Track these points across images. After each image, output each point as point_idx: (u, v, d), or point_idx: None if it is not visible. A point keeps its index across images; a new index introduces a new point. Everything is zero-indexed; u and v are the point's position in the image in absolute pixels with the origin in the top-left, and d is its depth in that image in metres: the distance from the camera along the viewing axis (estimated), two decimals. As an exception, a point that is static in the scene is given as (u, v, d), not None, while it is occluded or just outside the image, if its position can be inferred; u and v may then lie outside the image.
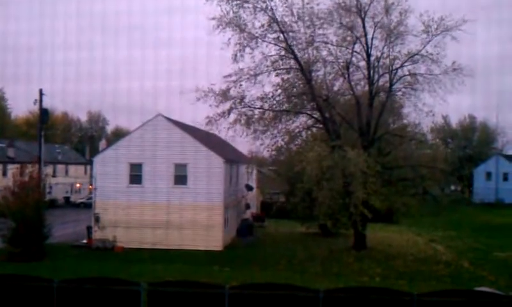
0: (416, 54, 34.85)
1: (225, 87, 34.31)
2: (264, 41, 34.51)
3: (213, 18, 33.08)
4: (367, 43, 35.15)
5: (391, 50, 35.22)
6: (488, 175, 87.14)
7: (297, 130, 37.83)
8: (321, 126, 37.05)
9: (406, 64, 35.44)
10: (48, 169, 62.75)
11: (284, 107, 36.10)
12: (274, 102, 35.86)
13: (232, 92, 34.65)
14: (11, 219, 31.54)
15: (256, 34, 34.15)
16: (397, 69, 35.58)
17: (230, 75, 34.13)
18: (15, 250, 31.02)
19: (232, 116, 35.03)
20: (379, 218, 40.46)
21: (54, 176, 69.45)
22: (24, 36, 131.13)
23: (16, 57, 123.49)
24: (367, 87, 36.48)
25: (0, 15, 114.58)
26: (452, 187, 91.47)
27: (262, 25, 34.03)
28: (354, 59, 35.76)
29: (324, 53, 35.52)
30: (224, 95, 34.35)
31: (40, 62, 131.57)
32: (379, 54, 35.52)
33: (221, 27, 33.21)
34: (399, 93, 37.36)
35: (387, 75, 35.99)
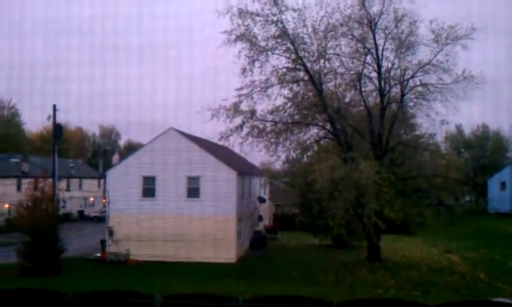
0: (427, 64, 34.77)
1: (236, 101, 34.52)
2: (274, 53, 34.68)
3: (224, 32, 33.35)
4: (377, 55, 35.15)
5: (402, 60, 35.21)
6: (503, 185, 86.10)
7: (308, 141, 37.85)
8: (333, 137, 37.03)
9: (417, 74, 35.36)
10: (62, 184, 63.28)
11: (295, 119, 36.15)
12: (285, 114, 35.93)
13: (243, 106, 34.89)
14: (25, 233, 31.75)
15: (267, 47, 34.32)
16: (408, 79, 35.49)
17: (241, 88, 34.33)
18: (29, 264, 31.19)
19: (244, 130, 35.20)
20: (393, 229, 40.22)
21: (68, 190, 69.97)
22: (38, 52, 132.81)
23: (30, 73, 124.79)
24: (378, 99, 36.41)
25: (15, 32, 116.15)
26: (467, 197, 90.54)
27: (273, 37, 34.17)
28: (365, 70, 35.78)
29: (336, 64, 35.63)
30: (235, 110, 34.54)
31: (53, 78, 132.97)
32: (390, 64, 35.54)
33: (231, 40, 33.45)
34: (411, 104, 37.21)
35: (398, 86, 35.90)
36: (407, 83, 35.55)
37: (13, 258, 32.62)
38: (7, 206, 57.55)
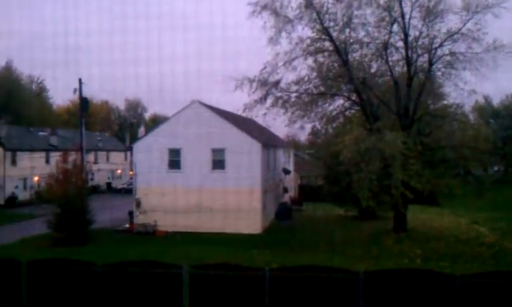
0: (456, 33, 33.87)
1: (261, 73, 34.28)
2: (300, 24, 34.22)
3: (249, 3, 33.02)
4: (404, 23, 34.37)
5: (430, 29, 34.34)
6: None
7: (334, 113, 37.52)
8: (358, 108, 36.64)
9: (445, 43, 34.50)
10: (90, 156, 64.27)
11: (320, 90, 35.81)
12: (310, 85, 35.60)
13: (268, 77, 34.59)
14: (56, 205, 32.46)
15: (292, 17, 33.89)
16: (436, 48, 34.69)
17: (266, 63, 34.09)
18: (60, 235, 31.99)
19: (268, 101, 35.03)
20: (421, 200, 39.88)
21: (95, 163, 71.04)
22: (62, 24, 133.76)
23: (55, 47, 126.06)
24: (405, 68, 35.73)
25: (39, 8, 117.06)
26: (495, 167, 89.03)
27: (298, 8, 33.72)
28: (392, 39, 35.05)
29: (361, 34, 34.99)
30: (260, 81, 34.34)
31: (79, 51, 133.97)
32: (417, 33, 34.71)
33: (257, 12, 33.12)
34: (439, 73, 36.46)
35: (426, 55, 35.14)
36: (435, 52, 34.79)
37: (44, 229, 33.44)
38: (36, 178, 58.81)
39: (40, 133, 67.91)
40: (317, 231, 37.48)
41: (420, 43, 34.84)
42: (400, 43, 35.20)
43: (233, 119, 40.11)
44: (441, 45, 34.58)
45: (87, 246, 31.25)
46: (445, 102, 37.87)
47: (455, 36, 34.03)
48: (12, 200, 55.29)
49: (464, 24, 33.55)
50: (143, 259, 19.55)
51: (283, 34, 33.77)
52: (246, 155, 37.13)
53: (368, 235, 35.17)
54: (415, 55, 35.16)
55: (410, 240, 32.79)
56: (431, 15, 33.80)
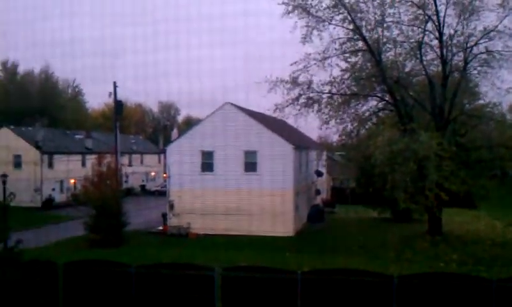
0: (493, 30, 33.06)
1: (293, 74, 34.20)
2: (331, 23, 33.99)
3: (282, 3, 32.99)
4: (439, 21, 33.74)
5: (465, 27, 33.61)
6: None
7: (367, 113, 37.15)
8: (392, 108, 36.16)
9: (481, 41, 33.69)
10: (124, 159, 65.27)
11: (353, 91, 35.50)
12: (343, 85, 35.33)
13: (300, 78, 34.50)
14: (92, 207, 33.06)
15: (323, 17, 33.70)
16: (472, 46, 33.94)
17: (297, 62, 33.95)
18: (96, 237, 32.55)
19: (301, 102, 34.88)
20: (456, 202, 39.09)
21: (129, 165, 72.13)
22: (97, 30, 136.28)
23: (91, 53, 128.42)
24: (440, 67, 35.08)
25: (75, 13, 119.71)
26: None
27: (328, 8, 33.49)
28: (426, 38, 34.47)
29: (395, 33, 34.51)
30: (293, 82, 34.27)
31: (113, 56, 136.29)
32: (452, 31, 34.02)
33: (288, 11, 33.06)
34: (475, 72, 35.68)
35: (461, 54, 34.41)
36: (471, 50, 34.04)
37: (81, 231, 34.09)
38: (73, 181, 60.05)
39: (76, 136, 69.33)
40: (349, 233, 37.14)
41: (455, 41, 34.16)
42: (435, 42, 34.60)
43: (265, 120, 40.13)
44: (476, 43, 33.81)
45: (122, 248, 31.71)
46: (481, 102, 37.02)
47: (491, 34, 33.21)
48: (49, 202, 56.59)
49: (501, 21, 32.71)
50: (175, 262, 19.73)
51: (315, 33, 33.64)
52: (278, 157, 37.09)
53: (402, 237, 34.65)
54: (450, 54, 34.48)
55: (445, 243, 32.14)
56: (466, 12, 33.08)
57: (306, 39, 33.28)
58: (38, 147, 58.04)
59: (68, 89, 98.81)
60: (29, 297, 15.53)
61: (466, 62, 34.29)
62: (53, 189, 58.91)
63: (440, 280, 16.05)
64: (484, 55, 34.32)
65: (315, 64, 34.04)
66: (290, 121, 36.71)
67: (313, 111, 35.00)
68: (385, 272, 18.14)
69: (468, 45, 33.88)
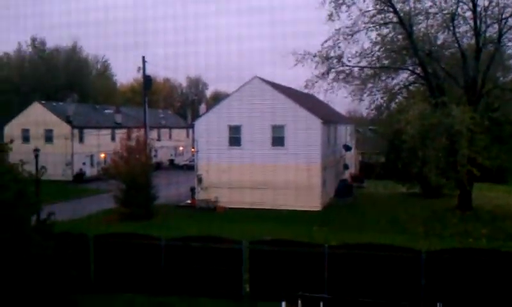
0: (529, 1, 31.99)
1: (322, 47, 33.82)
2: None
3: None
4: (473, -8, 32.78)
5: (500, -3, 32.58)
6: None
7: (397, 87, 36.56)
8: (423, 82, 35.48)
9: (517, 12, 32.66)
10: (153, 134, 65.80)
11: (383, 64, 34.91)
12: (374, 58, 34.77)
13: (330, 52, 34.09)
14: (121, 181, 33.48)
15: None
16: (507, 18, 32.89)
17: (327, 39, 33.55)
18: (126, 210, 33.02)
19: (331, 76, 34.61)
20: (488, 177, 38.34)
21: (158, 140, 72.75)
22: (125, 8, 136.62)
23: (119, 28, 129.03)
24: (473, 40, 34.17)
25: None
26: None
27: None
28: (459, 9, 33.56)
29: (427, 4, 33.67)
30: (322, 57, 33.91)
31: (141, 31, 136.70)
32: (487, 2, 33.02)
33: None
34: (509, 44, 34.68)
35: (496, 25, 33.43)
36: (506, 22, 33.01)
37: (111, 204, 34.66)
38: (103, 155, 60.97)
39: (106, 111, 70.13)
40: (378, 208, 36.89)
41: (489, 12, 33.18)
42: (469, 13, 33.69)
43: (293, 95, 39.84)
44: (512, 15, 32.76)
45: (151, 221, 32.16)
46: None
47: (528, 4, 32.13)
48: (80, 176, 57.66)
49: (539, -9, 31.59)
50: (204, 234, 19.92)
51: (343, 8, 33.09)
52: (306, 131, 36.87)
53: (431, 212, 34.25)
54: (484, 26, 33.53)
55: (475, 218, 31.70)
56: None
57: (334, 14, 32.81)
58: (68, 121, 58.96)
59: (98, 64, 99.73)
60: (61, 269, 15.90)
61: (500, 34, 33.31)
62: (83, 163, 59.93)
63: (468, 256, 15.83)
64: (519, 27, 33.25)
65: (344, 38, 33.58)
66: (320, 96, 36.46)
67: (343, 84, 34.64)
68: (414, 247, 17.98)
69: (503, 17, 32.87)
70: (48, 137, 59.08)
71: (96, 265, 18.56)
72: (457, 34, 33.98)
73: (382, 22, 34.17)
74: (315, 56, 33.96)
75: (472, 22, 33.63)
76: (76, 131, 59.40)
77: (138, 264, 18.09)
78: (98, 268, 18.52)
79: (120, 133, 40.27)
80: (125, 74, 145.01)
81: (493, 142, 32.01)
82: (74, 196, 44.52)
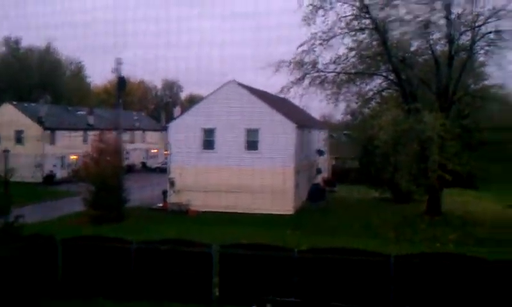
0: (502, 10, 32.51)
1: (297, 53, 33.93)
2: (339, 1, 33.52)
3: None
4: (447, 0, 33.21)
5: (474, 6, 33.08)
6: None
7: (371, 92, 36.85)
8: (397, 88, 35.84)
9: (489, 20, 33.19)
10: (126, 136, 65.04)
11: (358, 70, 35.15)
12: (348, 64, 34.98)
13: (305, 58, 34.20)
14: (92, 183, 32.95)
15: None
16: (480, 26, 33.42)
17: (303, 44, 33.64)
18: (96, 213, 32.50)
19: (306, 82, 34.70)
20: (458, 183, 38.84)
21: (131, 142, 71.96)
22: (100, 9, 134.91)
23: (94, 29, 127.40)
24: (446, 47, 34.66)
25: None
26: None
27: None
28: (433, 17, 33.93)
29: (402, 12, 34.00)
30: (297, 63, 33.99)
31: (116, 33, 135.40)
32: (460, 10, 33.52)
33: None
34: (482, 52, 35.25)
35: (469, 33, 33.97)
36: (478, 30, 33.56)
37: (80, 207, 34.06)
38: (74, 157, 59.99)
39: (78, 112, 69.11)
40: (350, 213, 37.07)
41: (462, 20, 33.66)
42: (442, 21, 34.12)
43: (268, 99, 39.82)
44: (485, 23, 33.29)
45: (122, 224, 31.70)
46: (487, 83, 36.64)
47: (500, 13, 32.67)
48: (50, 178, 56.61)
49: (510, 0, 32.16)
50: (175, 238, 19.65)
51: (320, 12, 33.21)
52: (280, 135, 36.87)
53: (402, 218, 34.54)
54: (457, 33, 34.06)
55: (445, 223, 32.07)
56: (475, -10, 32.55)
57: (310, 18, 32.92)
58: (40, 123, 57.90)
59: (71, 65, 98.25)
60: (28, 272, 15.49)
61: (473, 42, 33.86)
62: (54, 165, 58.88)
63: (436, 260, 15.94)
64: (491, 35, 33.91)
65: (320, 44, 33.73)
66: (296, 101, 36.56)
67: (318, 90, 34.80)
68: (384, 251, 18.01)
69: (476, 25, 33.38)
70: (19, 138, 57.95)
71: (64, 269, 18.11)
72: (431, 42, 34.47)
73: (357, 28, 34.41)
74: (290, 63, 34.07)
75: (445, 29, 34.11)
76: (47, 132, 58.34)
77: (107, 268, 17.72)
78: (66, 271, 18.07)
79: (93, 135, 39.64)
80: (100, 75, 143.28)
81: (463, 148, 32.48)
82: (44, 198, 43.65)
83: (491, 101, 34.99)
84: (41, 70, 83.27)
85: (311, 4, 33.01)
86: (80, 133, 62.65)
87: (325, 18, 33.45)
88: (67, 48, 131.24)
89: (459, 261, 15.72)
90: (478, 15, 33.18)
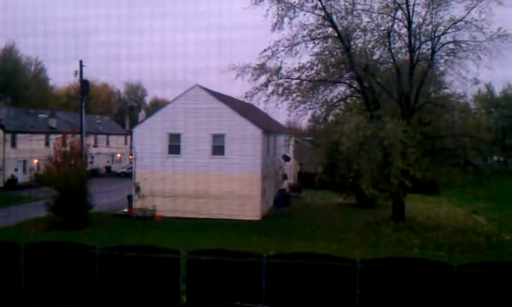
0: (460, 20, 33.60)
1: (261, 60, 34.15)
2: (302, 10, 33.95)
3: None
4: (408, 10, 34.10)
5: (434, 16, 34.02)
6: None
7: (335, 100, 37.42)
8: (360, 96, 36.51)
9: (449, 31, 34.24)
10: (90, 140, 64.15)
11: (321, 77, 35.64)
12: (312, 71, 35.43)
13: (269, 64, 34.44)
14: (54, 188, 32.40)
15: (294, 4, 33.64)
16: (439, 36, 34.44)
17: (266, 49, 33.89)
18: (58, 218, 31.96)
19: (270, 88, 34.92)
20: (420, 189, 39.76)
21: (95, 146, 70.98)
22: (62, 9, 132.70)
23: (56, 31, 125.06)
24: (407, 56, 35.54)
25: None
26: (495, 158, 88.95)
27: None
28: (395, 26, 34.81)
29: (365, 20, 34.75)
30: (261, 68, 34.21)
31: (78, 34, 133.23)
32: (421, 20, 34.43)
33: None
34: (441, 61, 36.27)
35: (429, 43, 34.91)
36: (438, 40, 34.57)
37: (43, 212, 33.44)
38: (36, 161, 58.77)
39: (40, 115, 67.69)
40: (315, 218, 37.52)
41: (423, 30, 34.62)
42: (404, 30, 34.99)
43: (234, 104, 39.96)
44: (444, 33, 34.35)
45: (86, 230, 31.27)
46: (447, 91, 37.71)
47: (458, 24, 33.77)
48: (12, 182, 55.28)
49: (468, 12, 33.26)
50: (141, 244, 19.57)
51: (286, 20, 33.59)
52: (246, 141, 37.05)
53: (366, 223, 35.18)
54: (417, 43, 34.94)
55: (408, 229, 32.80)
56: (434, 2, 33.52)
57: (276, 26, 33.27)
58: (0, 126, 56.47)
59: (31, 66, 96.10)
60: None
61: (433, 51, 34.82)
62: (16, 169, 57.55)
63: (402, 264, 16.37)
64: (451, 45, 34.93)
65: (283, 50, 34.06)
66: (260, 106, 36.75)
67: (282, 96, 35.02)
68: (349, 256, 18.39)
69: (436, 35, 34.40)
70: (-23, 141, 56.36)
71: (27, 275, 17.82)
72: (393, 50, 35.21)
73: (321, 36, 34.91)
74: (254, 69, 34.25)
75: (406, 38, 34.97)
76: (8, 136, 56.94)
77: (71, 274, 17.51)
78: (29, 278, 17.78)
79: (55, 138, 39.00)
80: (62, 78, 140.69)
81: (424, 155, 33.31)
82: (5, 204, 42.59)
83: (450, 109, 35.97)
84: (1, 72, 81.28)
85: (277, 14, 33.33)
86: (42, 136, 61.41)
87: (290, 27, 33.86)
88: (27, 49, 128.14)
89: (424, 266, 16.18)
90: (437, 26, 34.20)
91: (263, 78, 34.69)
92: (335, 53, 35.46)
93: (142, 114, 60.41)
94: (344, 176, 38.26)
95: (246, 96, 35.05)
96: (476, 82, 35.02)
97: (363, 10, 34.24)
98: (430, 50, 34.99)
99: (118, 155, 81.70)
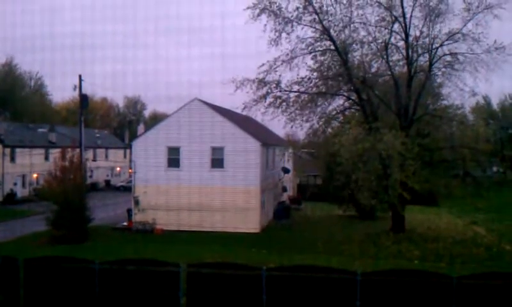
0: (457, 33, 33.86)
1: (260, 74, 34.31)
2: (300, 24, 34.18)
3: (248, 8, 33.03)
4: (405, 23, 34.36)
5: (431, 29, 34.32)
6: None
7: (333, 112, 37.55)
8: (358, 108, 36.66)
9: (446, 43, 34.49)
10: (89, 154, 64.20)
11: (320, 90, 35.79)
12: (310, 84, 35.58)
13: (268, 78, 34.59)
14: (54, 202, 32.40)
15: (292, 18, 33.87)
16: (436, 48, 34.68)
17: (265, 63, 34.09)
18: (58, 233, 31.89)
19: (268, 101, 35.02)
20: (419, 200, 39.74)
21: (94, 160, 71.03)
22: (63, 25, 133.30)
23: (55, 46, 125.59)
24: (405, 68, 35.74)
25: (39, 7, 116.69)
26: (494, 169, 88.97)
27: (297, 9, 33.69)
28: (392, 39, 35.05)
29: (362, 34, 34.98)
30: (260, 82, 34.36)
31: (78, 50, 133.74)
32: (418, 33, 34.69)
33: (255, 15, 33.12)
34: (439, 73, 36.50)
35: (427, 55, 35.15)
36: (435, 52, 34.80)
37: (42, 226, 33.41)
38: (35, 175, 58.78)
39: (39, 130, 67.84)
40: (315, 230, 37.48)
41: (420, 42, 34.85)
42: (401, 43, 35.23)
43: (233, 117, 40.09)
44: (441, 45, 34.59)
45: (85, 244, 31.24)
46: (445, 103, 37.89)
47: (456, 37, 34.02)
48: (11, 197, 55.25)
49: (465, 24, 33.57)
50: (140, 257, 19.55)
51: (284, 35, 33.81)
52: (245, 154, 37.13)
53: (366, 235, 35.15)
54: (415, 55, 35.17)
55: (408, 240, 32.77)
56: (432, 14, 33.81)
57: (275, 41, 33.48)
58: (-1, 140, 56.58)
59: (31, 81, 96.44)
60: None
61: (430, 63, 35.02)
62: (15, 184, 57.53)
63: (402, 276, 16.37)
64: (448, 58, 35.16)
65: (282, 64, 34.23)
66: (259, 118, 36.89)
67: (280, 109, 35.14)
68: (349, 268, 18.38)
69: (433, 47, 34.63)
70: (-23, 156, 56.38)
71: (26, 290, 17.79)
72: (390, 63, 35.40)
73: (319, 49, 35.11)
74: (253, 82, 34.40)
75: (404, 51, 35.19)
76: (7, 150, 56.99)
77: (71, 289, 17.49)
78: (28, 293, 17.75)
79: (54, 153, 39.02)
80: (61, 92, 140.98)
81: (422, 167, 33.38)
82: (4, 218, 42.54)
83: (448, 120, 36.11)
84: (1, 87, 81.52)
85: (274, 29, 33.54)
86: (42, 151, 61.46)
87: (289, 41, 34.08)
88: (27, 64, 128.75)
89: (424, 278, 16.18)
90: (434, 38, 34.45)
91: (262, 91, 34.85)
92: (333, 66, 35.64)
93: (141, 127, 60.41)
94: (343, 188, 38.34)
95: (244, 108, 35.13)
96: (473, 93, 35.26)
97: (360, 23, 34.50)
98: (428, 63, 35.21)
99: (118, 169, 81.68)
